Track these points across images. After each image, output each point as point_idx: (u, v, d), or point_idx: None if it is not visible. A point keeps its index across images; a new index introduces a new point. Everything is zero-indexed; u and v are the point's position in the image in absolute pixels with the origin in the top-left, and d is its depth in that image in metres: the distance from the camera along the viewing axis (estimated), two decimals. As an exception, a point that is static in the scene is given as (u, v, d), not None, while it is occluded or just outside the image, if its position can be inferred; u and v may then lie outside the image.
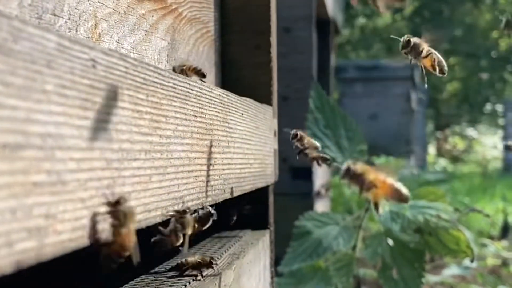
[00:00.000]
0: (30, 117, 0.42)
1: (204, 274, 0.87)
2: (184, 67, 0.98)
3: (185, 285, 0.81)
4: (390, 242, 1.63)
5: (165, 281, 0.83)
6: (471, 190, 8.13)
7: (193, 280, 0.84)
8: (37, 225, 0.42)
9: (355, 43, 18.04)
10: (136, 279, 0.85)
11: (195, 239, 1.12)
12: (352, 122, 1.77)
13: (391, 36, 1.27)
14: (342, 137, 1.74)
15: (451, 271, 3.26)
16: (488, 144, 19.05)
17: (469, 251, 1.64)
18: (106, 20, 0.80)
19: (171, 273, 0.88)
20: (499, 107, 18.45)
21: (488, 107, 19.94)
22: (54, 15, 0.68)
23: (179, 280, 0.84)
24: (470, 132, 19.71)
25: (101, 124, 0.53)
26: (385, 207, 1.60)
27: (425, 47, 1.04)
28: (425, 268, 1.63)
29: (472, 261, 1.65)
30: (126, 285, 0.82)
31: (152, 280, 0.84)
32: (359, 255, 1.73)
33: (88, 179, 0.50)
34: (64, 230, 0.46)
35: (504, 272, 3.47)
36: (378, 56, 18.19)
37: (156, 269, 0.91)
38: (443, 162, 14.88)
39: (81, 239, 0.49)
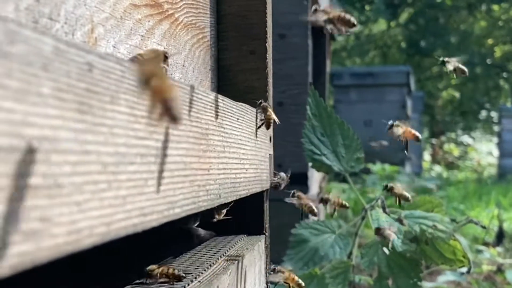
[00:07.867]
0: (26, 120, 0.42)
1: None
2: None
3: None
4: (386, 251, 1.62)
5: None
6: (466, 196, 8.13)
7: (188, 284, 0.84)
8: (33, 228, 0.42)
9: (350, 49, 18.08)
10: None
11: (191, 245, 1.12)
12: (349, 129, 1.77)
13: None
14: (339, 145, 1.74)
15: (446, 277, 3.25)
16: (483, 150, 19.08)
17: (465, 260, 1.64)
18: (102, 25, 0.80)
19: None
20: (494, 114, 18.50)
21: (483, 114, 19.98)
22: (51, 19, 0.68)
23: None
24: (465, 138, 19.75)
25: (97, 128, 0.53)
26: (380, 218, 1.60)
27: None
28: (421, 277, 1.62)
29: (469, 271, 1.65)
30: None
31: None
32: (355, 262, 1.72)
33: (84, 183, 0.50)
34: (59, 233, 0.46)
35: (499, 278, 3.47)
36: (373, 63, 18.23)
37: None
38: (438, 169, 14.89)
39: (76, 243, 0.49)
